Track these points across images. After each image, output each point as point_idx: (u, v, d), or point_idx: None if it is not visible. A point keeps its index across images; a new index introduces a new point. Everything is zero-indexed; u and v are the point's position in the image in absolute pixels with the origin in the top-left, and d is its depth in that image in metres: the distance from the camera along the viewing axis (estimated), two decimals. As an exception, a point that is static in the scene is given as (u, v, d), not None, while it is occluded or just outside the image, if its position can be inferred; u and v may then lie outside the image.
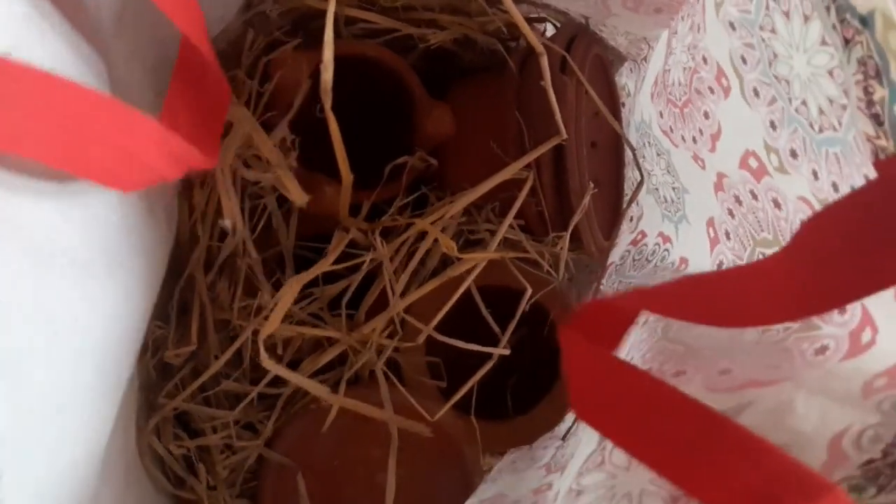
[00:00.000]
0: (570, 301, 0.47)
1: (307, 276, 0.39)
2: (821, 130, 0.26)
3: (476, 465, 0.43)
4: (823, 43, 0.24)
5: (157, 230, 0.36)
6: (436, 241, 0.42)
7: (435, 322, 0.42)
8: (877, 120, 0.21)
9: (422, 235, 0.43)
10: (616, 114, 0.50)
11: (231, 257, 0.40)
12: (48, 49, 0.24)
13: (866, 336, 0.25)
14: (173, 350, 0.39)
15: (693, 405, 0.22)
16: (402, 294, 0.42)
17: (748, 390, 0.27)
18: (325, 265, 0.40)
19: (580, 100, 0.44)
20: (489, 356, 0.42)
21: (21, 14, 0.23)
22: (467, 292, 0.43)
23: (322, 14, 0.43)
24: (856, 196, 0.20)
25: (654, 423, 0.22)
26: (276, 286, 0.40)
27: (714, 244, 0.38)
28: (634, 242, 0.48)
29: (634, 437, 0.23)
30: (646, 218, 0.48)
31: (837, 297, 0.20)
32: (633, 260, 0.47)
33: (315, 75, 0.43)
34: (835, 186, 0.26)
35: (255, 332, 0.40)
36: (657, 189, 0.46)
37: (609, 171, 0.51)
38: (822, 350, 0.26)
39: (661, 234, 0.45)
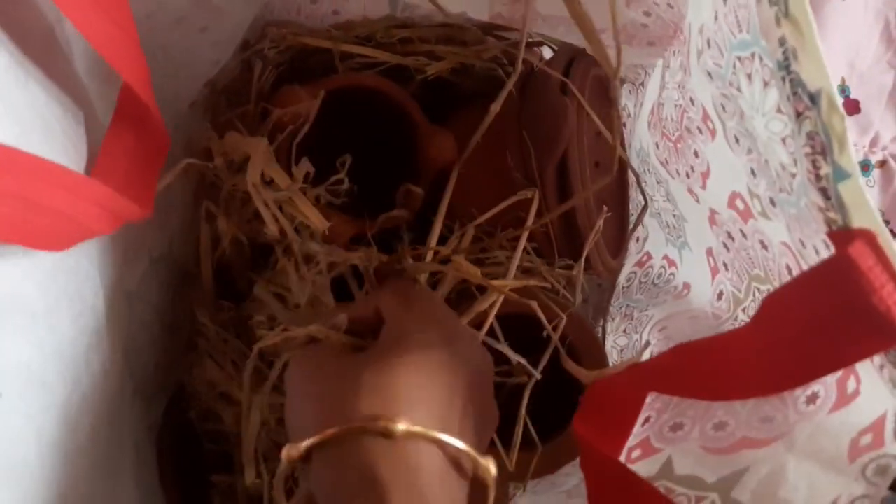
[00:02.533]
0: (588, 323, 0.46)
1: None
2: (781, 191, 0.26)
3: (502, 496, 0.42)
4: (779, 111, 0.24)
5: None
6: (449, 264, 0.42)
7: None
8: (825, 193, 0.21)
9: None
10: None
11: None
12: (27, 95, 0.25)
13: (851, 385, 0.25)
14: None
15: None
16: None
17: (743, 452, 0.27)
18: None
19: (581, 120, 0.44)
20: (503, 386, 0.41)
21: (2, 65, 0.24)
22: (479, 321, 0.43)
23: (319, 51, 0.44)
24: (812, 275, 0.21)
25: None
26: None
27: (714, 273, 0.38)
28: (640, 264, 0.48)
29: None
30: (651, 239, 0.48)
31: (801, 376, 0.21)
32: (640, 283, 0.47)
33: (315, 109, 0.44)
34: (802, 243, 0.26)
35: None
36: (659, 214, 0.46)
37: (613, 190, 0.51)
38: (814, 398, 0.26)
39: (666, 258, 0.45)
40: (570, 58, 0.47)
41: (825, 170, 0.21)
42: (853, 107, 0.64)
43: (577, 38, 0.42)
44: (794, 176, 0.24)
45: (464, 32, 0.46)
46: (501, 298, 0.41)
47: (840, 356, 0.20)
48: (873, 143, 0.64)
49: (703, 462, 0.29)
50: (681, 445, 0.30)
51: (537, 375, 0.41)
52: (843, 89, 0.64)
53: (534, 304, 0.40)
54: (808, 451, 0.27)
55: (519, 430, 0.41)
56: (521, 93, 0.46)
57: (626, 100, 0.52)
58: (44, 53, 0.27)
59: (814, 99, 0.21)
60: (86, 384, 0.31)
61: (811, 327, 0.20)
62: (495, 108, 0.42)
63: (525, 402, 0.41)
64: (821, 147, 0.21)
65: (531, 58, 0.46)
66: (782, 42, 0.21)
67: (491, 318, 0.41)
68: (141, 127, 0.31)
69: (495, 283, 0.41)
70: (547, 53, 0.50)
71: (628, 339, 0.49)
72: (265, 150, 0.39)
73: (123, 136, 0.30)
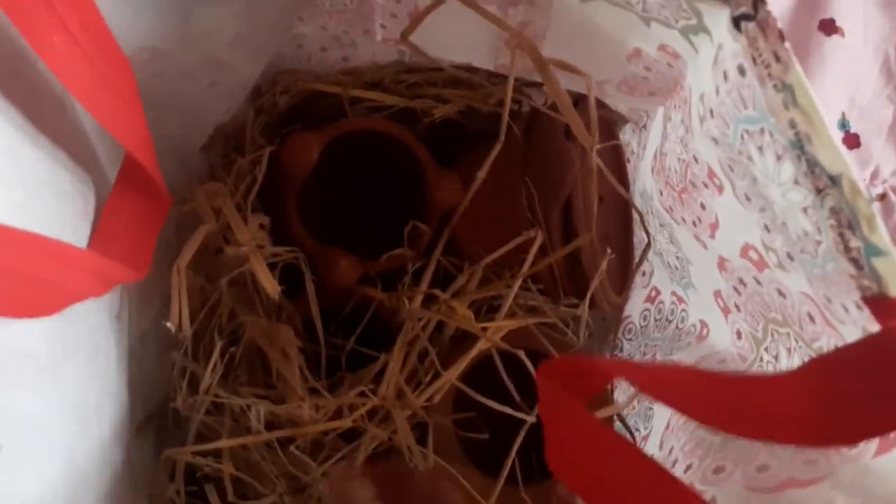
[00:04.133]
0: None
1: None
2: (802, 252, 0.26)
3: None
4: (796, 182, 0.24)
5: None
6: (451, 308, 0.43)
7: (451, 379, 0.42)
8: (856, 264, 0.22)
9: (436, 302, 0.43)
10: (622, 172, 0.51)
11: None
12: (38, 158, 0.26)
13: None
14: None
15: (660, 474, 0.22)
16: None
17: (787, 492, 0.28)
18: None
19: (586, 163, 0.45)
20: (509, 420, 0.42)
21: (14, 126, 0.24)
22: (486, 357, 0.43)
23: (328, 96, 0.45)
24: (863, 345, 0.21)
25: (621, 487, 0.23)
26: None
27: (726, 313, 0.38)
28: (650, 300, 0.48)
29: (602, 498, 0.23)
30: (656, 276, 0.48)
31: (847, 436, 0.21)
32: (655, 321, 0.47)
33: (325, 153, 0.45)
34: (827, 299, 0.26)
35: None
36: (661, 254, 0.46)
37: (617, 225, 0.51)
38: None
39: (674, 294, 0.45)
40: (575, 99, 0.48)
41: (855, 243, 0.21)
42: (853, 141, 0.64)
43: (580, 85, 0.43)
44: (819, 243, 0.24)
45: (470, 75, 0.47)
46: (488, 344, 0.42)
47: (887, 422, 0.20)
48: (874, 176, 0.65)
49: (749, 501, 0.29)
50: (724, 486, 0.30)
51: (531, 419, 0.41)
52: (844, 123, 0.64)
53: (521, 352, 0.41)
54: (856, 490, 0.27)
55: (506, 468, 0.41)
56: (526, 136, 0.47)
57: (629, 137, 0.53)
58: (55, 117, 0.28)
59: (834, 181, 0.21)
60: (94, 427, 0.31)
61: (859, 394, 0.20)
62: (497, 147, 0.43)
63: (518, 440, 0.41)
64: (847, 222, 0.21)
65: (536, 101, 0.47)
66: (793, 125, 0.22)
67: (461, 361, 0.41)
68: (142, 192, 0.31)
69: (491, 324, 0.42)
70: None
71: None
72: (228, 210, 0.39)
73: (125, 202, 0.31)
